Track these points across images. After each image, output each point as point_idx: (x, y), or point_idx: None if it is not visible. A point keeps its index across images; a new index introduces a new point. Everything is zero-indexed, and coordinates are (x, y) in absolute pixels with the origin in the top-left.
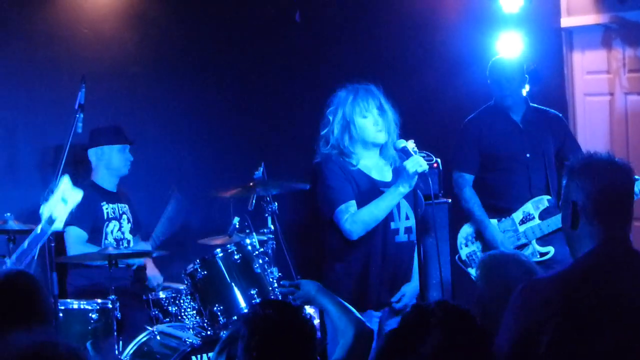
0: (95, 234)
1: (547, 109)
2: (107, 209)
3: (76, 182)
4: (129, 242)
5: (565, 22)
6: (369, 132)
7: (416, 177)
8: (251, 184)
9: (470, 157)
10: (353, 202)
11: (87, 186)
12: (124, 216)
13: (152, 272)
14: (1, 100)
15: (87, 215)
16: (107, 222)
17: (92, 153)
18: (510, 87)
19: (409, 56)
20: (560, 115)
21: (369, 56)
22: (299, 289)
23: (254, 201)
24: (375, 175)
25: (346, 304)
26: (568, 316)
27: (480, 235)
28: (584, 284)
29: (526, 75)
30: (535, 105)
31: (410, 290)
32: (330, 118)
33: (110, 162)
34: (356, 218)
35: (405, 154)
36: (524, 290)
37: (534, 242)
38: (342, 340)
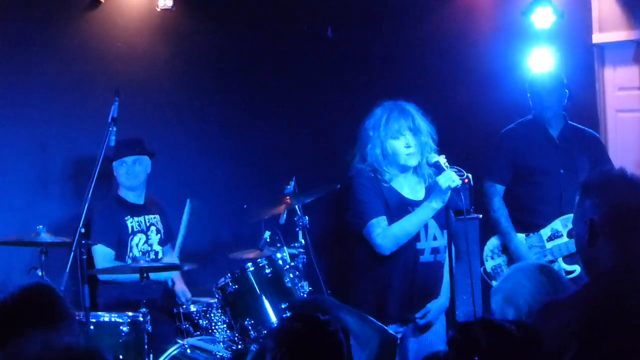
0: (121, 249)
1: (585, 128)
2: (131, 222)
3: (101, 198)
4: (156, 253)
5: (597, 38)
6: (400, 154)
7: (449, 192)
8: (287, 199)
9: (503, 167)
10: (384, 217)
11: (112, 201)
12: (152, 227)
13: (181, 288)
14: (35, 113)
15: (111, 232)
16: (132, 236)
17: (113, 167)
18: (550, 100)
19: (441, 72)
20: (598, 135)
21: (401, 72)
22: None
23: (285, 215)
24: (406, 194)
25: (364, 314)
26: (588, 339)
27: (506, 249)
28: (603, 305)
29: (566, 90)
30: (573, 123)
31: (436, 307)
32: (365, 135)
33: (119, 177)
34: (388, 232)
35: (437, 169)
36: (543, 313)
37: (560, 259)
38: (367, 350)
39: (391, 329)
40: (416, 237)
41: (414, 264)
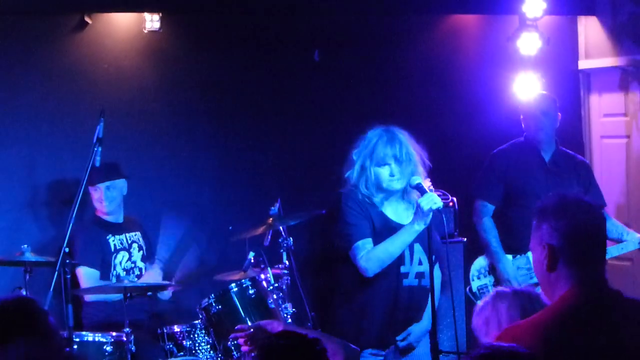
0: (105, 268)
1: (575, 154)
2: (113, 241)
3: (84, 218)
4: (140, 270)
5: (583, 64)
6: (384, 180)
7: (431, 214)
8: (269, 220)
9: (494, 187)
10: (369, 240)
11: (92, 222)
12: (134, 245)
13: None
14: (21, 134)
15: (94, 253)
16: (114, 254)
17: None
18: (545, 122)
19: (427, 97)
20: (587, 162)
21: (387, 96)
22: (257, 332)
23: (269, 236)
24: (394, 217)
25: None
26: None
27: (493, 269)
28: (564, 328)
29: (559, 113)
30: (564, 149)
31: (417, 330)
32: (354, 159)
33: (93, 202)
34: (371, 255)
35: (419, 190)
36: (503, 338)
37: None
38: None
39: (370, 352)
40: (400, 261)
41: (396, 287)
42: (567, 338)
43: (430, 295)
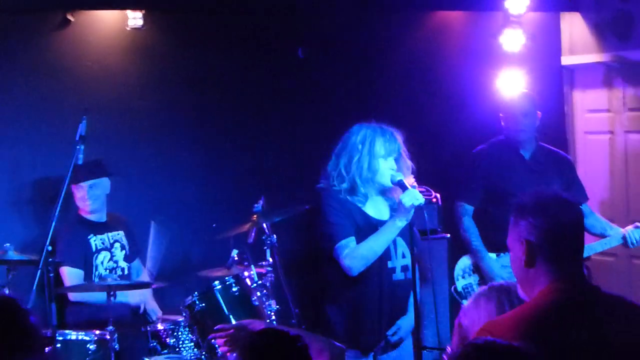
0: (87, 268)
1: (557, 150)
2: (95, 241)
3: (67, 217)
4: (123, 270)
5: (567, 60)
6: (383, 174)
7: (413, 210)
8: (253, 217)
9: (473, 188)
10: (353, 239)
11: (74, 221)
12: (117, 244)
13: (151, 306)
14: (4, 132)
15: (77, 252)
16: (96, 254)
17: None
18: (525, 122)
19: (411, 93)
20: (569, 157)
21: (372, 94)
22: (238, 331)
23: (253, 234)
24: (374, 214)
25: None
26: None
27: (478, 268)
28: (545, 324)
29: (538, 112)
30: (545, 145)
31: (405, 324)
32: (353, 149)
33: (76, 201)
34: (355, 254)
35: (401, 187)
36: (482, 333)
37: None
38: None
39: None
40: (387, 256)
41: (386, 283)
42: (548, 334)
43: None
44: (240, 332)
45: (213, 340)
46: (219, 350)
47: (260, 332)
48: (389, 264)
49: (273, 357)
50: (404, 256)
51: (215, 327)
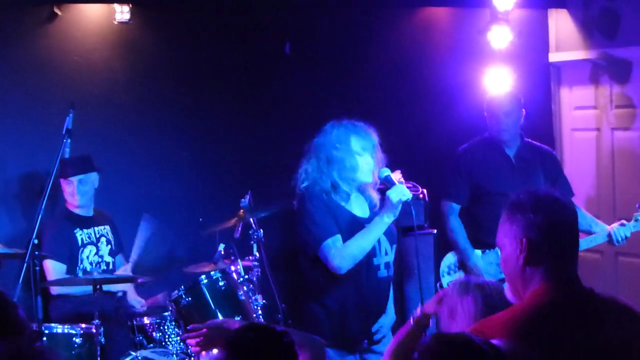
0: (72, 262)
1: (541, 145)
2: (80, 235)
3: (53, 211)
4: (108, 264)
5: (554, 57)
6: (361, 171)
7: (400, 206)
8: (240, 212)
9: (459, 187)
10: (339, 237)
11: (61, 215)
12: (103, 239)
13: (134, 297)
14: None
15: (62, 246)
16: (82, 249)
17: (60, 184)
18: (507, 122)
19: (397, 90)
20: (554, 153)
21: (357, 90)
22: (211, 331)
23: (240, 229)
24: (357, 212)
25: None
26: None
27: (463, 265)
28: (539, 325)
29: (523, 110)
30: (530, 140)
31: (387, 322)
32: (331, 148)
33: (65, 195)
34: (344, 252)
35: (388, 183)
36: (474, 332)
37: None
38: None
39: (344, 354)
40: (373, 253)
41: (371, 280)
42: (542, 334)
43: (393, 286)
44: (215, 331)
45: (187, 340)
46: (190, 351)
47: (245, 327)
48: (375, 261)
49: (259, 353)
50: (386, 253)
51: (188, 327)
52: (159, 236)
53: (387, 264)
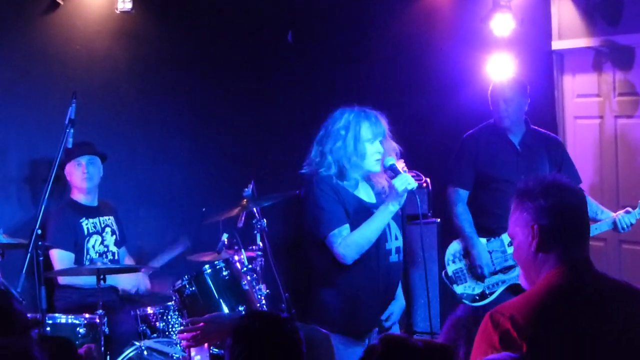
0: (78, 251)
1: (548, 132)
2: (86, 224)
3: (57, 201)
4: (114, 254)
5: (557, 45)
6: (370, 159)
7: (405, 194)
8: (243, 202)
9: (465, 173)
10: (346, 226)
11: (66, 204)
12: (107, 229)
13: (142, 280)
14: None
15: (68, 236)
16: (87, 238)
17: (65, 171)
18: (507, 109)
19: (400, 78)
20: (560, 139)
21: (361, 77)
22: (206, 326)
23: (243, 218)
24: (364, 197)
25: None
26: (536, 344)
27: (468, 253)
28: (552, 309)
29: (527, 98)
30: (536, 127)
31: (397, 308)
32: (336, 135)
33: (73, 179)
34: (349, 242)
35: (393, 171)
36: (493, 317)
37: None
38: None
39: (357, 343)
40: (383, 237)
41: (383, 266)
42: (556, 318)
43: (403, 273)
44: (212, 325)
45: (180, 335)
46: (181, 345)
47: (251, 315)
48: (386, 246)
49: (265, 340)
50: (396, 238)
51: (184, 322)
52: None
53: (397, 249)
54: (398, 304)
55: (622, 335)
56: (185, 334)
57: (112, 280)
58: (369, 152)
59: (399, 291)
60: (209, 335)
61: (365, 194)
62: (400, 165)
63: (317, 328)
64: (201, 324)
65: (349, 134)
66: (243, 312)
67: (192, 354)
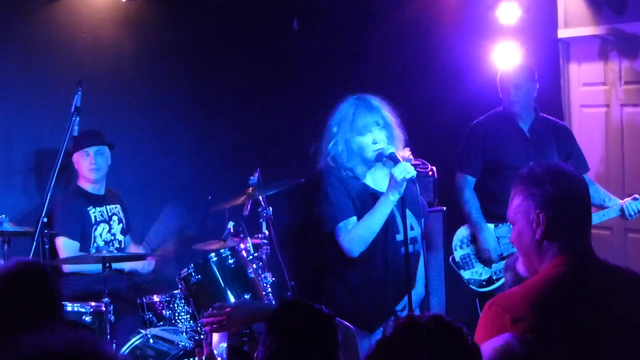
0: (85, 240)
1: (556, 120)
2: (94, 212)
3: (64, 189)
4: (120, 242)
5: (563, 33)
6: (367, 149)
7: (405, 183)
8: (249, 190)
9: (474, 160)
10: (354, 219)
11: (73, 192)
12: (114, 217)
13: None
14: None
15: (74, 224)
16: (95, 226)
17: (73, 160)
18: (517, 95)
19: (406, 66)
20: (568, 127)
21: (366, 65)
22: (232, 311)
23: (249, 206)
24: (375, 187)
25: None
26: (540, 334)
27: (476, 239)
28: (554, 300)
29: (536, 84)
30: (545, 115)
31: (414, 297)
32: (329, 132)
33: (81, 169)
34: (353, 235)
35: (393, 160)
36: (494, 306)
37: None
38: None
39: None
40: (395, 229)
41: (394, 257)
42: (559, 305)
43: (422, 260)
44: (238, 310)
45: (204, 319)
46: (204, 329)
47: (282, 302)
48: (398, 237)
49: (305, 332)
50: (412, 228)
51: (215, 305)
52: (176, 217)
53: (412, 239)
54: (416, 293)
55: (622, 327)
56: (210, 318)
57: (119, 266)
58: (363, 144)
59: (419, 280)
60: (236, 321)
61: (374, 182)
62: (406, 153)
63: (342, 322)
64: (227, 309)
65: (345, 125)
66: (273, 302)
67: (215, 338)
